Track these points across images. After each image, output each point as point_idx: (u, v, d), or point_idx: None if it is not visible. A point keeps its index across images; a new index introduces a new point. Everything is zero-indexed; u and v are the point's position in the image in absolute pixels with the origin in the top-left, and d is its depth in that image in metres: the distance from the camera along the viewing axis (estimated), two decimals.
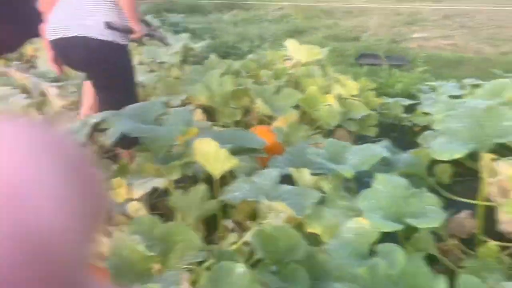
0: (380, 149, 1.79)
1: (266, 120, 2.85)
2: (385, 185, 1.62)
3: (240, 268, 1.17)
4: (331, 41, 5.55)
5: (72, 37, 2.23)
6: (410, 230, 1.54)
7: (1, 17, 1.96)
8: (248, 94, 2.63)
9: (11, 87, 2.71)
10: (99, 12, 2.28)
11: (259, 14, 7.96)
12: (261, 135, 2.61)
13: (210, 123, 2.76)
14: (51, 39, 2.32)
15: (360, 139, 2.82)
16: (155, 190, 2.13)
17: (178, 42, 3.61)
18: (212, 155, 1.94)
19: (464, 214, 2.00)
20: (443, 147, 1.62)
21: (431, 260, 1.49)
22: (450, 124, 1.72)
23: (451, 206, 1.93)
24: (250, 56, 3.63)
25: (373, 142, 2.65)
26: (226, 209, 1.96)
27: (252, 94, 2.60)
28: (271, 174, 1.80)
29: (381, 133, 2.81)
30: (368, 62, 4.50)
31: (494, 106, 1.65)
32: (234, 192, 1.69)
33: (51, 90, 2.72)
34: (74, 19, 2.26)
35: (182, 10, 8.29)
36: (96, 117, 1.88)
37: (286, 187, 1.73)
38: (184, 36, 3.83)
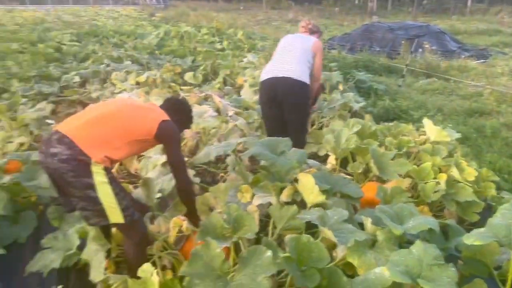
0: (432, 222, 2.15)
1: (383, 179, 3.33)
2: (419, 250, 1.99)
3: (270, 253, 1.84)
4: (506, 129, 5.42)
5: (281, 77, 3.69)
6: None
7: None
8: (367, 154, 3.17)
9: (210, 107, 3.90)
10: (297, 65, 3.74)
11: (452, 88, 7.99)
12: (368, 189, 3.12)
13: (331, 168, 3.41)
14: (262, 80, 3.84)
15: (461, 221, 3.02)
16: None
17: (341, 100, 4.34)
18: (309, 188, 2.61)
19: None
20: None
21: None
22: None
23: None
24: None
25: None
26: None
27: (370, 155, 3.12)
28: (342, 213, 2.34)
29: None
30: None
31: None
32: (306, 215, 2.31)
33: (233, 116, 3.80)
34: (281, 69, 3.74)
35: (379, 70, 8.95)
36: (240, 139, 2.77)
37: (347, 225, 2.27)
38: (350, 94, 4.54)
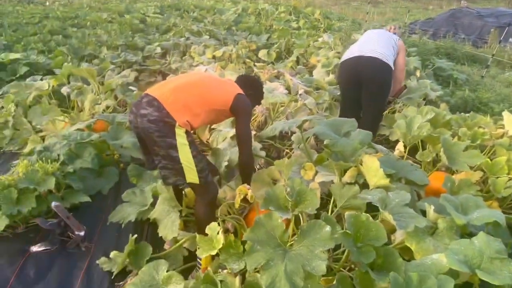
0: (498, 215, 2.10)
1: (452, 171, 3.25)
2: (481, 242, 1.96)
3: (328, 228, 1.92)
4: None
5: (367, 57, 3.71)
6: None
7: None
8: (438, 143, 3.09)
9: (281, 84, 3.99)
10: (384, 49, 3.76)
11: None
12: (434, 178, 3.07)
13: (397, 153, 3.37)
14: (346, 59, 3.87)
15: None
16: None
17: (418, 89, 4.23)
18: (373, 170, 2.63)
19: None
20: None
21: None
22: None
23: None
24: None
25: None
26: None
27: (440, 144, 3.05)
28: (404, 196, 2.35)
29: None
30: None
31: None
32: (368, 196, 2.35)
33: (303, 94, 3.86)
34: (367, 50, 3.75)
35: (461, 59, 8.46)
36: (306, 117, 2.83)
37: (408, 210, 2.27)
38: (427, 82, 4.40)
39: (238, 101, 2.53)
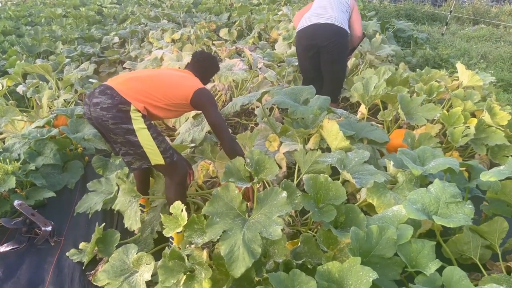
0: (451, 162, 2.17)
1: (414, 126, 3.33)
2: (437, 189, 2.03)
3: (284, 193, 1.95)
4: None
5: (322, 23, 3.75)
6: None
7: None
8: (397, 101, 3.15)
9: (241, 60, 3.97)
10: (339, 13, 3.82)
11: (501, 34, 7.53)
12: (396, 136, 3.13)
13: (360, 115, 3.42)
14: (302, 27, 3.88)
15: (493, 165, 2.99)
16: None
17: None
18: (333, 134, 2.67)
19: None
20: None
21: None
22: None
23: None
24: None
25: None
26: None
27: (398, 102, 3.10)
28: (362, 155, 2.39)
29: None
30: None
31: None
32: (327, 158, 2.39)
33: (262, 68, 3.85)
34: (322, 16, 3.80)
35: (421, 19, 8.55)
36: (266, 89, 2.83)
37: (368, 167, 2.32)
38: (379, 39, 4.46)
39: (197, 96, 2.42)
